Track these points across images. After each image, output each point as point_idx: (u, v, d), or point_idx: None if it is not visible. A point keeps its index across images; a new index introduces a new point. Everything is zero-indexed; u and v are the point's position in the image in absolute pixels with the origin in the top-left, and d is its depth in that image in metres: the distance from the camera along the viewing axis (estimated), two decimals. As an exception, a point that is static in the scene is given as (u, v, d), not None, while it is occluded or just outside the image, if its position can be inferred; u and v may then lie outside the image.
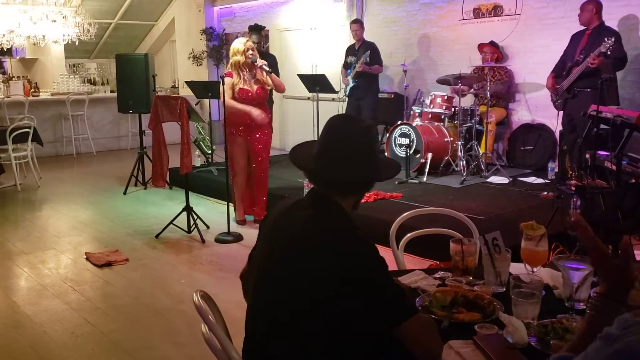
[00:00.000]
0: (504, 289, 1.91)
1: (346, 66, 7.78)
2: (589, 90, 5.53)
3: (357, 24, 7.73)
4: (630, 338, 0.87)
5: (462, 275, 2.02)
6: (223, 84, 5.19)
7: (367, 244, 1.60)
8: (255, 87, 5.37)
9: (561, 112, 6.04)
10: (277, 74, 6.54)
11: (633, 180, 3.66)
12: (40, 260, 4.86)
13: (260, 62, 5.36)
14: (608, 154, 3.97)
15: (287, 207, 1.76)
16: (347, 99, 7.85)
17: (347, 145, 1.69)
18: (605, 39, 5.22)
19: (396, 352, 1.61)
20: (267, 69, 5.36)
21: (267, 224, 1.79)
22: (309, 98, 9.00)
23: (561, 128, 6.18)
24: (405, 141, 6.73)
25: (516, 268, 2.03)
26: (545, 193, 5.66)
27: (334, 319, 1.56)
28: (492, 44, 7.19)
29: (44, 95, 11.06)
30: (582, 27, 5.82)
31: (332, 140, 1.71)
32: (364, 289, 1.55)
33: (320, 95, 7.39)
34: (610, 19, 5.98)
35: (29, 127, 7.51)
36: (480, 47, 7.22)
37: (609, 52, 5.22)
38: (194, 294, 1.69)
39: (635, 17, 6.13)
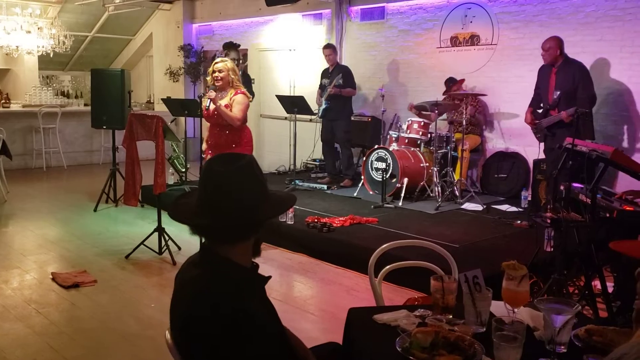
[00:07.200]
0: (484, 329, 1.89)
1: (321, 88, 7.79)
2: (566, 128, 5.61)
3: (329, 49, 7.73)
4: None
5: (442, 313, 1.98)
6: (201, 103, 5.11)
7: (247, 314, 1.55)
8: (213, 106, 5.08)
9: (542, 143, 6.11)
10: (252, 93, 6.40)
11: (607, 215, 3.70)
12: (4, 279, 4.68)
13: (212, 93, 5.07)
14: (582, 186, 4.00)
15: (186, 264, 1.75)
16: (321, 120, 7.86)
17: (222, 190, 1.61)
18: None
19: None
20: (214, 104, 5.02)
21: (176, 279, 1.76)
22: (286, 118, 8.98)
23: (536, 157, 6.24)
24: (382, 165, 6.74)
25: (496, 306, 2.00)
26: (519, 222, 5.70)
27: None
28: (451, 80, 7.37)
29: (15, 106, 10.83)
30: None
31: (207, 187, 1.64)
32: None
33: (298, 115, 7.38)
34: (584, 53, 6.11)
35: (-2, 140, 7.34)
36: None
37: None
38: (167, 332, 1.62)
39: (608, 51, 6.27)
